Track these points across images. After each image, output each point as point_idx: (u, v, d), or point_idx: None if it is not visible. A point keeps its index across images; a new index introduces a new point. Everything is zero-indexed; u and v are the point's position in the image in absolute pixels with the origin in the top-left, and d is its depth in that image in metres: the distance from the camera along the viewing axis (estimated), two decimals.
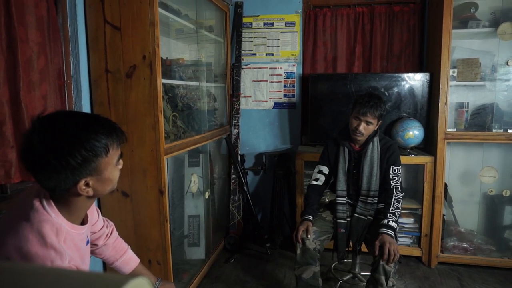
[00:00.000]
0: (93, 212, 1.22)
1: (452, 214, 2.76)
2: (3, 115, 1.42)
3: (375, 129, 2.01)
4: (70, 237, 0.95)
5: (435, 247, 2.59)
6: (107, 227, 1.31)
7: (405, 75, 2.68)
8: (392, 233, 1.83)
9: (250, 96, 3.16)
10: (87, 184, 0.94)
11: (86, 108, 1.85)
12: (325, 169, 2.14)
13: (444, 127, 2.50)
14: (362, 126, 1.94)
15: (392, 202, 1.92)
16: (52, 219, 0.93)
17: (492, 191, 2.65)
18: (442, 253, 2.62)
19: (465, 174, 2.78)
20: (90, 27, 1.82)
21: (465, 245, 2.63)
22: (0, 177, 1.44)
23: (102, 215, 1.98)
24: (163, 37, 2.50)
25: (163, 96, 1.92)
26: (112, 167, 0.98)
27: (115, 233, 1.35)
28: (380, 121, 2.00)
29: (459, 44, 2.67)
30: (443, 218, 2.63)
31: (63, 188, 0.91)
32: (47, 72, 1.63)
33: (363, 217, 2.04)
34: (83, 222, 1.07)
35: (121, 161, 1.04)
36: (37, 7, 1.57)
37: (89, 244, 1.13)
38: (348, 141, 2.07)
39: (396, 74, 2.71)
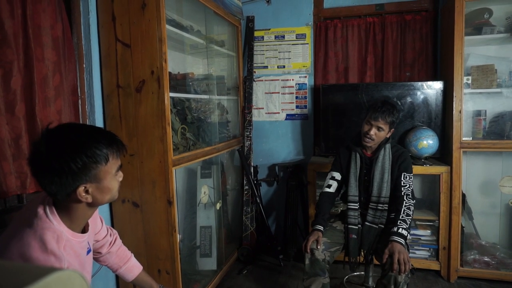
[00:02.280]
0: (97, 221, 1.28)
1: (473, 226, 2.66)
2: (19, 129, 1.52)
3: (387, 136, 1.99)
4: (70, 244, 1.00)
5: (454, 260, 2.49)
6: (110, 235, 1.36)
7: (418, 84, 2.64)
8: (402, 241, 1.78)
9: (263, 108, 3.20)
10: (86, 191, 0.99)
11: (99, 121, 1.94)
12: (338, 175, 2.12)
13: (459, 136, 2.43)
14: (373, 131, 1.93)
15: (403, 209, 1.88)
16: (53, 226, 0.98)
17: None
18: (462, 267, 2.51)
19: (484, 185, 2.68)
20: (103, 45, 1.92)
21: (486, 259, 2.51)
22: (17, 187, 1.53)
23: (114, 225, 2.05)
24: (177, 53, 2.60)
25: (171, 109, 1.98)
26: (111, 176, 1.04)
27: (119, 241, 1.40)
28: (392, 129, 1.98)
29: (474, 51, 2.61)
30: (462, 230, 2.54)
31: (64, 193, 0.96)
32: (62, 89, 1.73)
33: (374, 226, 2.01)
34: (84, 231, 1.12)
35: (120, 173, 1.09)
36: (53, 28, 1.69)
37: (91, 253, 1.18)
38: (360, 147, 2.06)
39: (409, 83, 2.67)
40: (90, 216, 1.11)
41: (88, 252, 1.16)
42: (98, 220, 1.30)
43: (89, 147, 0.97)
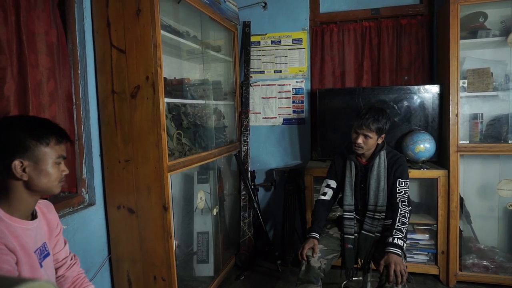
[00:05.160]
0: (60, 240, 1.29)
1: (471, 230, 2.64)
2: None
3: (378, 142, 1.97)
4: (5, 224, 1.03)
5: (452, 265, 2.47)
6: (71, 259, 1.33)
7: (414, 88, 2.64)
8: (398, 251, 1.76)
9: (260, 113, 3.20)
10: (23, 169, 1.03)
11: (94, 127, 1.93)
12: (333, 183, 2.11)
13: (456, 140, 2.43)
14: (360, 140, 1.91)
15: (398, 218, 1.86)
16: None
17: (511, 205, 2.52)
18: (461, 271, 2.49)
19: (482, 188, 2.67)
20: (98, 51, 1.92)
21: (485, 263, 2.49)
22: None
23: (109, 231, 2.04)
24: (174, 58, 2.59)
25: (166, 115, 1.98)
26: (51, 162, 1.07)
27: (78, 267, 1.34)
28: (383, 135, 1.96)
29: (469, 55, 2.61)
30: (461, 234, 2.52)
31: (1, 166, 1.02)
32: (56, 95, 1.73)
33: (370, 234, 1.99)
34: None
35: (64, 166, 1.12)
36: (48, 34, 1.68)
37: (49, 257, 1.19)
38: (354, 155, 2.04)
39: (405, 87, 2.67)
40: (31, 205, 1.11)
41: (46, 255, 1.16)
42: (62, 240, 1.30)
43: (28, 124, 1.05)
